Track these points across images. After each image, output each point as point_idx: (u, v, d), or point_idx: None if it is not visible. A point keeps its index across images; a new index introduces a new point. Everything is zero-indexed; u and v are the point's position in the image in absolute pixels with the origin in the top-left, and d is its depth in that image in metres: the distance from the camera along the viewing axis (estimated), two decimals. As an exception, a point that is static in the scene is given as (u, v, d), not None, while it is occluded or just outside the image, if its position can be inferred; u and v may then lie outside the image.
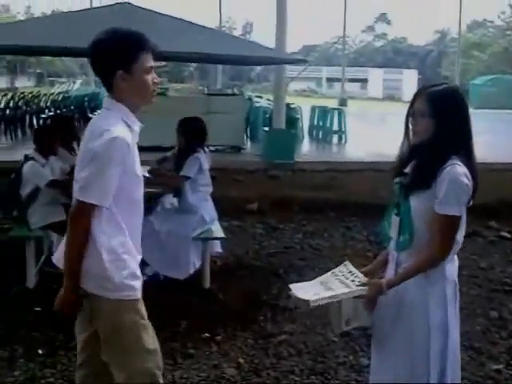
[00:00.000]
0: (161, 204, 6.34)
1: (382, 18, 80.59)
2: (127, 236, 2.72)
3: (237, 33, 67.72)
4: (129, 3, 6.72)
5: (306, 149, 15.69)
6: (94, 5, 23.50)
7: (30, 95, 18.16)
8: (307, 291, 2.78)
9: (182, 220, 5.84)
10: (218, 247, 6.26)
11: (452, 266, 2.84)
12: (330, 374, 4.34)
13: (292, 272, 6.44)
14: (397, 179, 2.89)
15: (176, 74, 55.01)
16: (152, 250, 5.74)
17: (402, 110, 3.05)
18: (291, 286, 2.88)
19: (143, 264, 5.70)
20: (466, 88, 37.16)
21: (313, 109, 18.18)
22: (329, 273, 2.94)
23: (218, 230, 6.08)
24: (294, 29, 27.84)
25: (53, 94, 20.99)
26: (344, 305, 2.81)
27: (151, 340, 2.81)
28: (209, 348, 4.63)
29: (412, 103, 2.81)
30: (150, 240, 5.73)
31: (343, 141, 16.76)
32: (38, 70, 56.76)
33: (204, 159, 5.86)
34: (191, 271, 5.83)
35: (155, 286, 5.61)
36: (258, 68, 54.76)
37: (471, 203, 2.77)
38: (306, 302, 2.70)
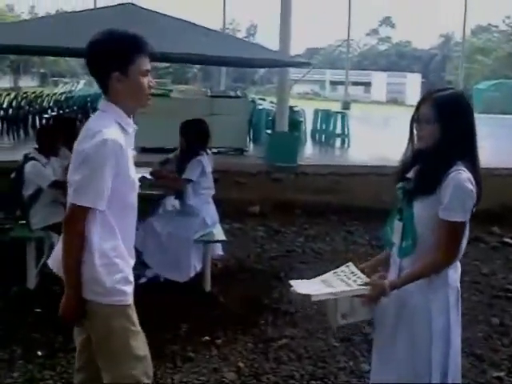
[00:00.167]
0: (162, 206, 6.33)
1: (387, 21, 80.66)
2: (120, 240, 2.68)
3: (241, 35, 67.73)
4: (132, 4, 6.72)
5: (308, 152, 15.65)
6: (99, 5, 23.45)
7: (32, 95, 18.16)
8: (308, 287, 2.78)
9: (183, 222, 5.82)
10: (219, 250, 6.24)
11: (455, 272, 2.83)
12: (330, 380, 4.31)
13: (293, 276, 6.40)
14: (400, 184, 2.87)
15: (179, 76, 55.02)
16: (153, 252, 5.74)
17: (406, 113, 3.04)
18: (292, 282, 2.88)
19: (144, 266, 5.74)
20: (469, 93, 37.08)
21: (316, 112, 18.14)
22: (330, 272, 2.93)
23: (219, 233, 6.06)
24: (298, 31, 27.82)
25: (56, 94, 21.02)
26: (341, 299, 2.79)
27: (141, 347, 2.77)
28: (209, 351, 4.61)
29: (417, 108, 2.78)
30: (151, 242, 5.74)
31: (346, 144, 16.71)
32: (42, 70, 56.81)
33: (207, 162, 5.84)
34: (192, 274, 5.81)
35: (155, 289, 5.62)
36: (262, 70, 54.83)
37: (475, 209, 2.75)
38: (308, 296, 2.68)
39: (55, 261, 2.78)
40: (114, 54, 2.64)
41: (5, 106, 16.19)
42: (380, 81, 61.78)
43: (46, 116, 16.72)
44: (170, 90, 16.87)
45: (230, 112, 13.32)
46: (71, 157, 2.72)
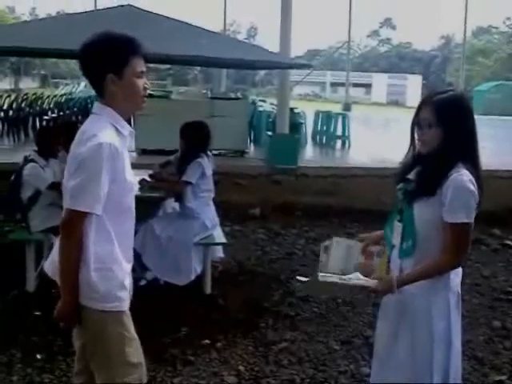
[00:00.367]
0: (163, 208, 6.32)
1: (387, 22, 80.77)
2: (115, 244, 2.64)
3: (241, 36, 67.91)
4: (132, 6, 6.71)
5: (309, 154, 15.64)
6: (99, 7, 23.46)
7: (33, 97, 18.15)
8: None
9: (183, 225, 5.80)
10: (219, 252, 6.21)
11: (456, 276, 2.83)
12: (330, 383, 4.29)
13: (294, 278, 6.39)
14: (400, 185, 2.87)
15: (180, 77, 55.08)
16: (153, 255, 5.72)
17: (406, 115, 3.03)
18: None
19: (143, 268, 5.72)
20: (470, 94, 37.13)
21: (317, 113, 18.14)
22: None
23: (219, 236, 6.04)
24: (299, 33, 27.84)
25: (56, 95, 20.99)
26: (335, 249, 2.88)
27: (135, 353, 2.74)
28: (209, 355, 4.59)
29: (417, 112, 2.77)
30: (150, 244, 5.72)
31: (347, 146, 16.72)
32: (42, 72, 56.88)
33: (207, 164, 5.81)
34: (193, 277, 5.77)
35: (155, 291, 5.60)
36: (262, 72, 54.89)
37: (476, 211, 2.73)
38: (316, 276, 2.72)
39: (51, 265, 2.75)
40: (108, 56, 2.61)
41: (5, 107, 16.18)
42: (380, 82, 61.82)
43: (46, 118, 16.70)
44: (171, 92, 16.89)
45: (231, 114, 13.31)
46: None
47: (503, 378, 4.47)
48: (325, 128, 17.30)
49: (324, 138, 17.33)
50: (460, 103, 2.77)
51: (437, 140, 2.70)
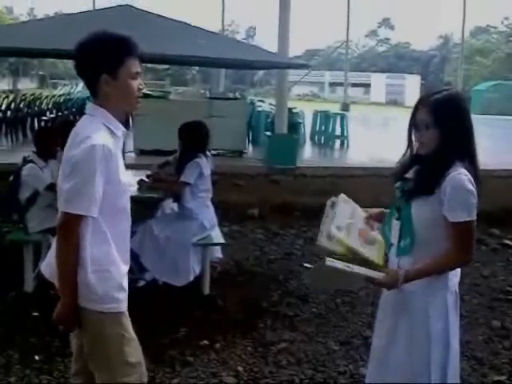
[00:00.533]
0: (161, 209, 6.31)
1: (386, 22, 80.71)
2: (112, 245, 2.63)
3: (240, 37, 67.76)
4: (130, 6, 6.69)
5: (307, 154, 15.63)
6: (97, 7, 23.44)
7: (31, 97, 18.12)
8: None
9: (181, 226, 5.78)
10: (218, 253, 6.20)
11: (455, 276, 2.83)
12: (329, 384, 4.28)
13: (292, 278, 6.39)
14: (398, 184, 2.87)
15: (178, 77, 55.03)
16: (151, 256, 5.71)
17: (405, 115, 3.02)
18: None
19: (142, 269, 5.71)
20: (468, 94, 37.15)
21: (315, 113, 18.13)
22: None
23: (217, 236, 6.03)
24: (297, 33, 27.87)
25: (54, 96, 20.96)
26: (342, 207, 3.01)
27: (134, 353, 2.74)
28: (208, 356, 4.58)
29: (414, 113, 2.77)
30: (149, 245, 5.71)
31: (345, 146, 16.71)
32: (41, 72, 56.77)
33: (205, 164, 5.80)
34: (191, 278, 5.76)
35: (154, 292, 5.59)
36: (261, 72, 54.88)
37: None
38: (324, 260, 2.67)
39: (48, 267, 2.74)
40: (103, 56, 2.59)
41: (3, 108, 16.15)
42: (379, 82, 61.74)
43: (44, 118, 16.66)
44: (169, 92, 16.88)
45: (229, 114, 13.30)
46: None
47: (502, 378, 4.46)
48: (323, 128, 17.28)
49: (322, 137, 17.32)
50: (456, 103, 2.77)
51: (435, 141, 2.70)
